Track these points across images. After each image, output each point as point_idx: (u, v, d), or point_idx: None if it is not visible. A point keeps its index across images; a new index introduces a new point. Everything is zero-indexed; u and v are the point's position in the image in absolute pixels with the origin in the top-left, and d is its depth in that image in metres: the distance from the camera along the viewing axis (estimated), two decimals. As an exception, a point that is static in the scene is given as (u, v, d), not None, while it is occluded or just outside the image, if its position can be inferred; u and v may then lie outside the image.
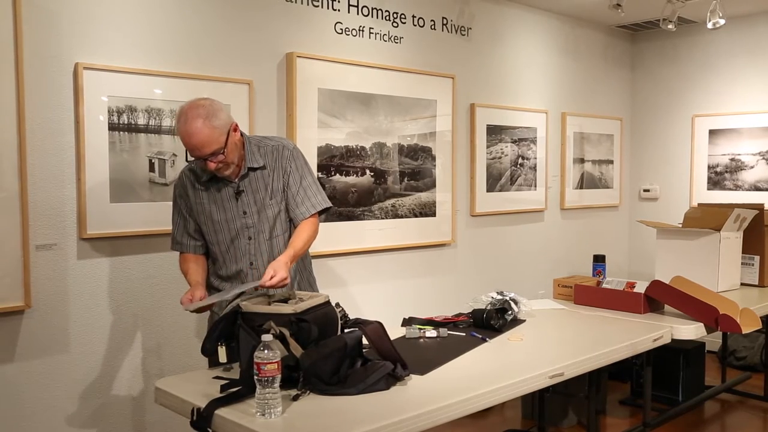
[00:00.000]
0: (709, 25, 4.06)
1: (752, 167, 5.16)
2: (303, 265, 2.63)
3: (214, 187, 2.45)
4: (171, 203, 2.57)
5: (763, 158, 5.11)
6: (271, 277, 2.22)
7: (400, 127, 3.98)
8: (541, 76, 4.97)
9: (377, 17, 3.88)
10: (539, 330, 2.87)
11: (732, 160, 5.26)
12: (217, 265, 2.53)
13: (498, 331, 2.77)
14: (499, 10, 4.61)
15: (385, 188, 3.93)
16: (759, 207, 3.86)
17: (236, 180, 2.44)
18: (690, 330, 2.96)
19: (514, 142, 4.72)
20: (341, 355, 2.01)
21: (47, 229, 2.77)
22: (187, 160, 2.42)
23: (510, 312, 2.89)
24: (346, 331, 2.16)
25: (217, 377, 2.13)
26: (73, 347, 2.86)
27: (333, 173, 3.67)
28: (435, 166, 4.18)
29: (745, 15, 5.11)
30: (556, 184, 5.12)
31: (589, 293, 3.38)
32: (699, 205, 4.38)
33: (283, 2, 3.46)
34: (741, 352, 4.98)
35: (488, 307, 2.86)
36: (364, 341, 2.14)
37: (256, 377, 1.79)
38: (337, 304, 2.25)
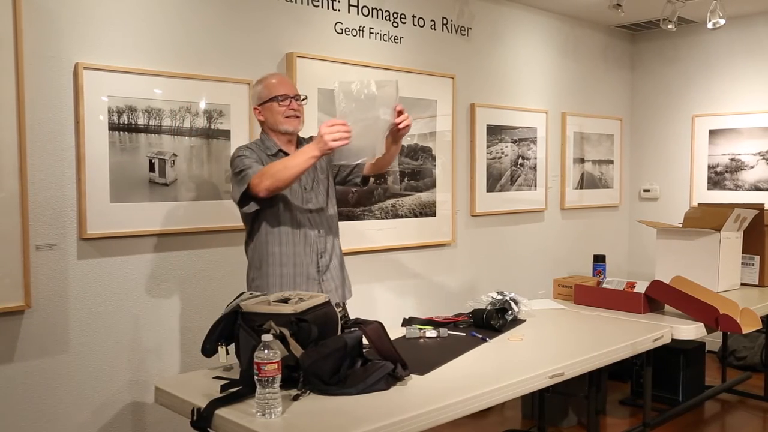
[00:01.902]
0: (709, 25, 4.06)
1: (752, 167, 5.16)
2: None
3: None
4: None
5: (764, 158, 5.11)
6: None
7: (400, 127, 3.97)
8: (541, 76, 4.97)
9: (377, 17, 3.88)
10: (539, 330, 2.86)
11: (732, 160, 5.26)
12: (279, 242, 2.55)
13: (498, 331, 2.77)
14: (499, 10, 4.61)
15: (385, 188, 3.93)
16: (759, 207, 3.86)
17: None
18: (690, 330, 2.96)
19: (514, 142, 4.72)
20: (341, 355, 2.01)
21: (47, 229, 2.77)
22: (277, 100, 2.54)
23: (510, 312, 2.89)
24: (346, 331, 2.16)
25: (217, 377, 2.13)
26: (73, 347, 2.86)
27: (333, 173, 3.66)
28: (435, 166, 4.17)
29: (745, 15, 5.11)
30: (556, 184, 5.12)
31: (589, 293, 3.38)
32: (699, 205, 4.38)
33: (283, 2, 3.46)
34: (741, 352, 4.98)
35: (488, 307, 2.86)
36: (364, 341, 2.14)
37: (256, 377, 1.79)
38: (338, 304, 2.25)
